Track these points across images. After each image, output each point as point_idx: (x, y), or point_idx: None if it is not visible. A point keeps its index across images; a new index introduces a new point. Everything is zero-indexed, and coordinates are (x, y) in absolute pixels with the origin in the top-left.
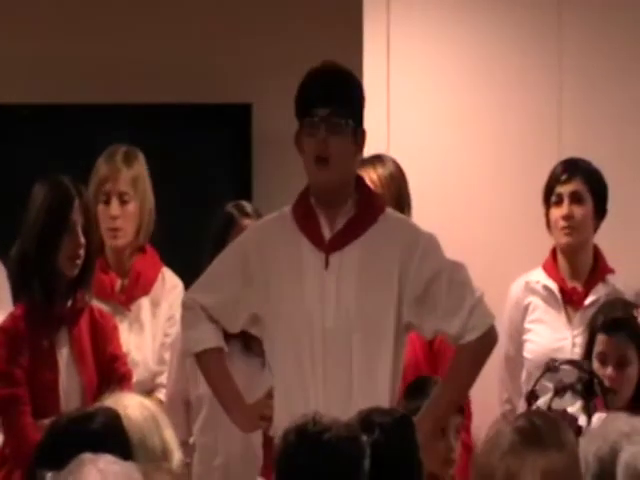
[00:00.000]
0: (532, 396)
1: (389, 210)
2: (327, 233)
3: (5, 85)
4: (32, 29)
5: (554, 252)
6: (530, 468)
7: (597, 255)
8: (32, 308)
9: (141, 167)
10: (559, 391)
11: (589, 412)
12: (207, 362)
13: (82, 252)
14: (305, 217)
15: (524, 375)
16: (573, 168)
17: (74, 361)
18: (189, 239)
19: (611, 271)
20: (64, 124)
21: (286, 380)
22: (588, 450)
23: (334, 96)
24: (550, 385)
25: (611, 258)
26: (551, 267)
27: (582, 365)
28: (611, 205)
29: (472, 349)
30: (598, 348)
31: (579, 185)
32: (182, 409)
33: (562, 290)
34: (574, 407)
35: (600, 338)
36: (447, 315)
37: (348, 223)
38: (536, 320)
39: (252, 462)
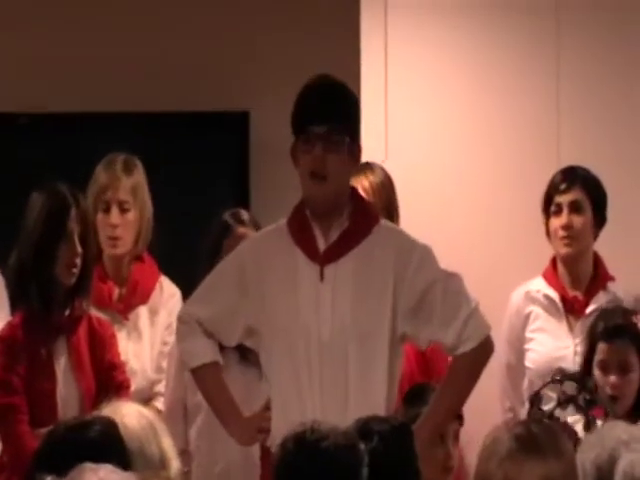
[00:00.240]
0: (536, 399)
1: (383, 221)
2: (322, 245)
3: (3, 93)
4: (30, 36)
5: (554, 261)
6: (528, 475)
7: (597, 263)
8: (30, 316)
9: (140, 175)
10: (562, 402)
11: (589, 428)
12: (203, 377)
13: (79, 261)
14: (300, 230)
15: (526, 384)
16: (572, 177)
17: (72, 370)
18: (187, 247)
19: (611, 279)
20: (62, 132)
21: (283, 392)
22: (586, 458)
23: (331, 113)
24: (553, 395)
25: (610, 265)
26: (551, 276)
27: (586, 383)
28: (610, 211)
29: (468, 359)
30: (599, 356)
31: (578, 194)
32: (180, 418)
33: (563, 299)
34: (575, 420)
35: (601, 346)
36: (442, 325)
37: (342, 235)
38: (537, 329)
39: (252, 470)
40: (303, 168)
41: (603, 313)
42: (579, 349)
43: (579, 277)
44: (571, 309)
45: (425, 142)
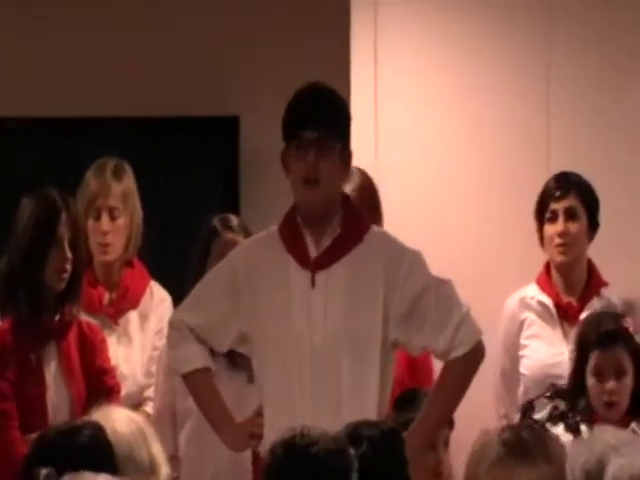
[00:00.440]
0: (528, 407)
1: (374, 228)
2: (313, 252)
3: None
4: (19, 42)
5: (548, 267)
6: None
7: (591, 269)
8: (19, 322)
9: (130, 181)
10: (553, 417)
11: None
12: (195, 382)
13: (69, 266)
14: (291, 236)
15: (521, 390)
16: (566, 184)
17: (62, 375)
18: (177, 252)
19: (605, 284)
20: (52, 137)
21: (275, 398)
22: (575, 463)
23: (323, 119)
24: (545, 409)
25: (602, 270)
26: (545, 282)
27: (578, 403)
28: (601, 216)
29: (460, 365)
30: (594, 363)
31: (573, 201)
32: (170, 423)
33: (557, 305)
34: (565, 437)
35: (595, 353)
36: (434, 332)
37: (334, 242)
38: (532, 336)
39: (242, 476)
40: (295, 174)
41: (592, 320)
42: None
43: (573, 283)
44: (565, 315)
45: (415, 145)
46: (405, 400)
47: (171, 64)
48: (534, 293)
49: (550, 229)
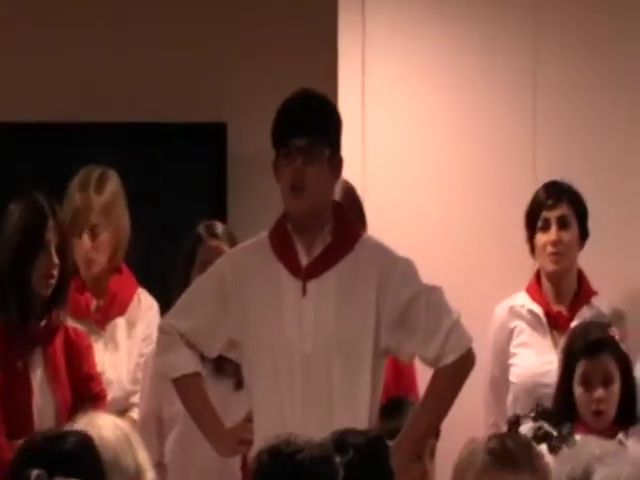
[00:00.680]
0: (515, 422)
1: (366, 236)
2: (304, 260)
3: None
4: (9, 49)
5: (538, 276)
6: None
7: (581, 278)
8: (6, 328)
9: (113, 190)
10: (537, 437)
11: None
12: (185, 387)
13: (56, 272)
14: (282, 244)
15: (510, 399)
16: (558, 192)
17: (48, 381)
18: (163, 258)
19: (595, 293)
20: (41, 142)
21: (264, 405)
22: (561, 472)
23: (310, 126)
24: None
25: (589, 279)
26: (535, 291)
27: (562, 427)
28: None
29: (449, 372)
30: (581, 372)
31: (565, 209)
32: (155, 429)
33: (547, 314)
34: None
35: (582, 362)
36: (424, 339)
37: (325, 250)
38: (522, 344)
39: None
40: (284, 181)
41: (579, 330)
42: None
43: (563, 292)
44: (555, 324)
45: (402, 155)
46: (391, 408)
47: (159, 71)
48: (524, 301)
49: (542, 238)
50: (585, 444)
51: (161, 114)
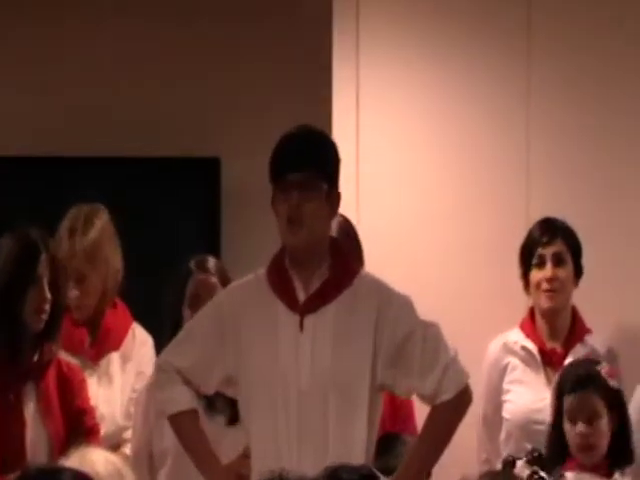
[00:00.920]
0: (510, 462)
1: (363, 272)
2: (302, 295)
3: None
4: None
5: (532, 312)
6: None
7: (575, 315)
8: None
9: (99, 234)
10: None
11: None
12: (181, 424)
13: (48, 306)
14: (279, 279)
15: (503, 435)
16: (553, 229)
17: (41, 415)
18: (157, 293)
19: (589, 331)
20: (34, 176)
21: (261, 442)
22: None
23: (307, 161)
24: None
25: (583, 317)
26: (529, 328)
27: (555, 473)
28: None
29: (447, 409)
30: (567, 408)
31: (560, 246)
32: (147, 465)
33: (541, 351)
34: None
35: (567, 399)
36: (421, 375)
37: (322, 285)
38: (515, 381)
39: None
40: (280, 216)
41: (568, 367)
42: None
43: (557, 329)
44: (549, 361)
45: (397, 190)
46: (384, 445)
47: (153, 105)
48: (517, 338)
49: (538, 275)
50: None
51: (155, 148)
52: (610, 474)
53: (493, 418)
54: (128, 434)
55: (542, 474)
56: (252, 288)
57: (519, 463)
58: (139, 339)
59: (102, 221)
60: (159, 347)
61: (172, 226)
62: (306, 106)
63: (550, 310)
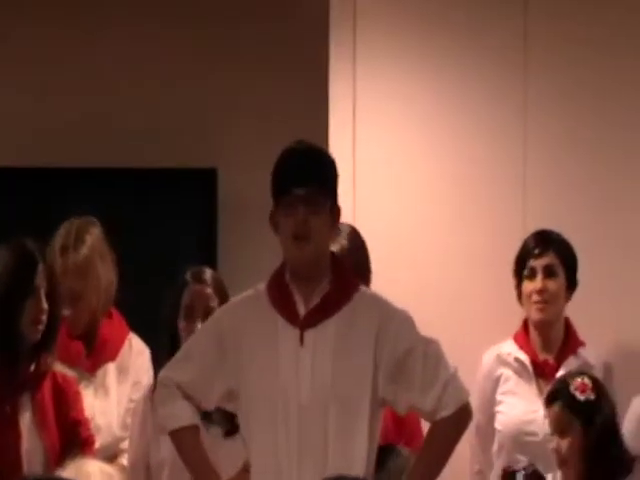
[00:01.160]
0: (510, 475)
1: (363, 288)
2: (302, 310)
3: None
4: None
5: (525, 324)
6: None
7: (568, 328)
8: None
9: (90, 248)
10: None
11: None
12: (182, 439)
13: (45, 317)
14: (280, 294)
15: (495, 447)
16: (546, 241)
17: (36, 426)
18: (153, 305)
19: (582, 344)
20: (25, 188)
21: (261, 457)
22: None
23: (312, 176)
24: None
25: (577, 329)
26: (522, 339)
27: None
28: (578, 275)
29: (446, 426)
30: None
31: (552, 259)
32: (144, 475)
33: (534, 362)
34: None
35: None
36: (421, 392)
37: (323, 300)
38: (508, 392)
39: None
40: (285, 231)
41: (557, 380)
42: None
43: (550, 341)
44: (542, 373)
45: (394, 203)
46: (378, 457)
47: (149, 116)
48: (511, 349)
49: (529, 286)
50: None
51: (152, 159)
52: None
53: (486, 429)
54: (125, 445)
55: None
56: (252, 303)
57: (519, 476)
58: (136, 349)
59: (93, 237)
60: (156, 357)
61: (169, 237)
62: (303, 118)
63: (541, 322)
